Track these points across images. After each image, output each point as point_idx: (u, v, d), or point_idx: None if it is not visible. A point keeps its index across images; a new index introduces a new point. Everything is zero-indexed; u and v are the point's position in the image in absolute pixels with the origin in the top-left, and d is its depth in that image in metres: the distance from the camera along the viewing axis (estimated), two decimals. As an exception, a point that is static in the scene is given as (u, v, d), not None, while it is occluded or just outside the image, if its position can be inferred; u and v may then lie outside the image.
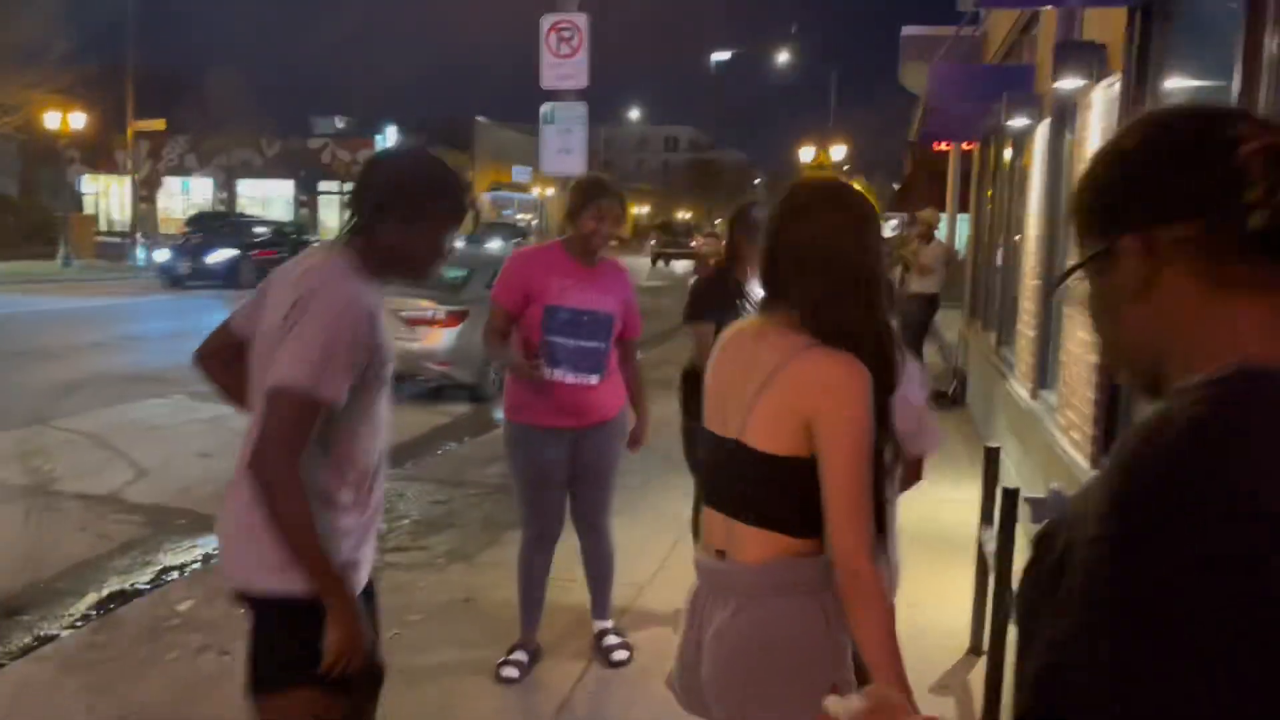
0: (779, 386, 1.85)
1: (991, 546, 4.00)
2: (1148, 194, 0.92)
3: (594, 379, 3.76)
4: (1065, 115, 5.79)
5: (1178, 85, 3.98)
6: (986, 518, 4.19)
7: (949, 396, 10.67)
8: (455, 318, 10.76)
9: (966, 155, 15.77)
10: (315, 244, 2.47)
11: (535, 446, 3.86)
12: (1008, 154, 9.49)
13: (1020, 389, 6.54)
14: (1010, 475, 5.18)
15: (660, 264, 42.80)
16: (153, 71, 34.22)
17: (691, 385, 4.64)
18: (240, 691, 2.22)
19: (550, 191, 68.56)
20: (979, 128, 9.86)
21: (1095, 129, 4.68)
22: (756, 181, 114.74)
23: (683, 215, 74.04)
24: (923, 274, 10.69)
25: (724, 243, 4.42)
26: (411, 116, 57.61)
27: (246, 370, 2.19)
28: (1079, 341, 4.80)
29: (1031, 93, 6.46)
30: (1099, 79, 4.56)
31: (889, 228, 37.26)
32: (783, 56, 36.77)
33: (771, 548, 1.89)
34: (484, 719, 3.80)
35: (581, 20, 7.28)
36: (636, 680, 3.98)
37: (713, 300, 4.00)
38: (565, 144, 7.40)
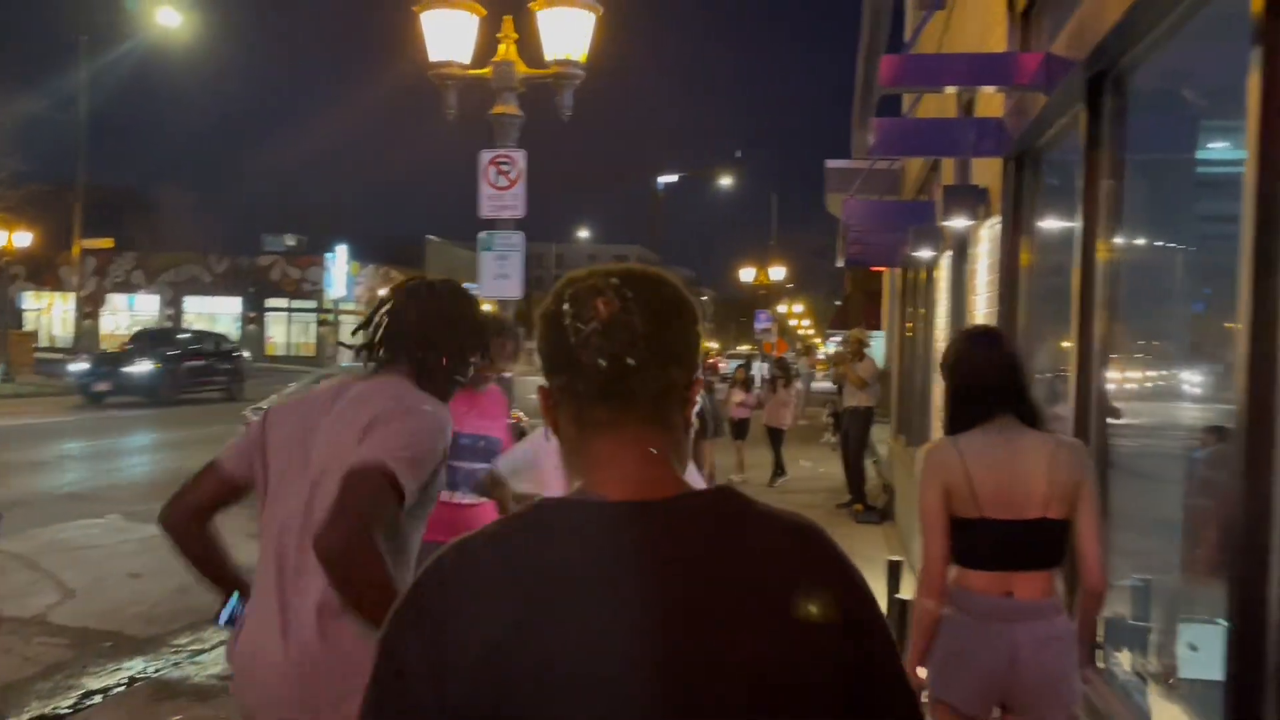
0: (1062, 469, 2.70)
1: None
2: (541, 353, 1.16)
3: (484, 499, 3.97)
4: (962, 247, 6.25)
5: (1046, 224, 4.39)
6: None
7: (879, 510, 10.95)
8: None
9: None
10: (329, 374, 2.55)
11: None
12: (919, 279, 10.05)
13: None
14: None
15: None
16: (101, 189, 34.49)
17: None
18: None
19: (492, 307, 69.30)
20: (896, 255, 10.44)
21: (983, 262, 5.09)
22: (704, 298, 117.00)
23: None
24: (859, 388, 11.17)
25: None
26: (363, 235, 58.35)
27: (212, 538, 2.24)
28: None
29: (934, 226, 6.94)
30: (984, 218, 4.98)
31: (830, 345, 38.28)
32: (725, 180, 38.10)
33: (1050, 583, 2.78)
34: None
35: (519, 155, 7.67)
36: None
37: None
38: (502, 269, 7.71)
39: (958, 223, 5.11)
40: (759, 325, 31.41)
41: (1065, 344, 4.19)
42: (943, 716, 2.79)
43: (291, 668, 2.04)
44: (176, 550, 2.26)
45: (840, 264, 11.81)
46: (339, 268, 52.23)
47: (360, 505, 1.90)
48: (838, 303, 40.59)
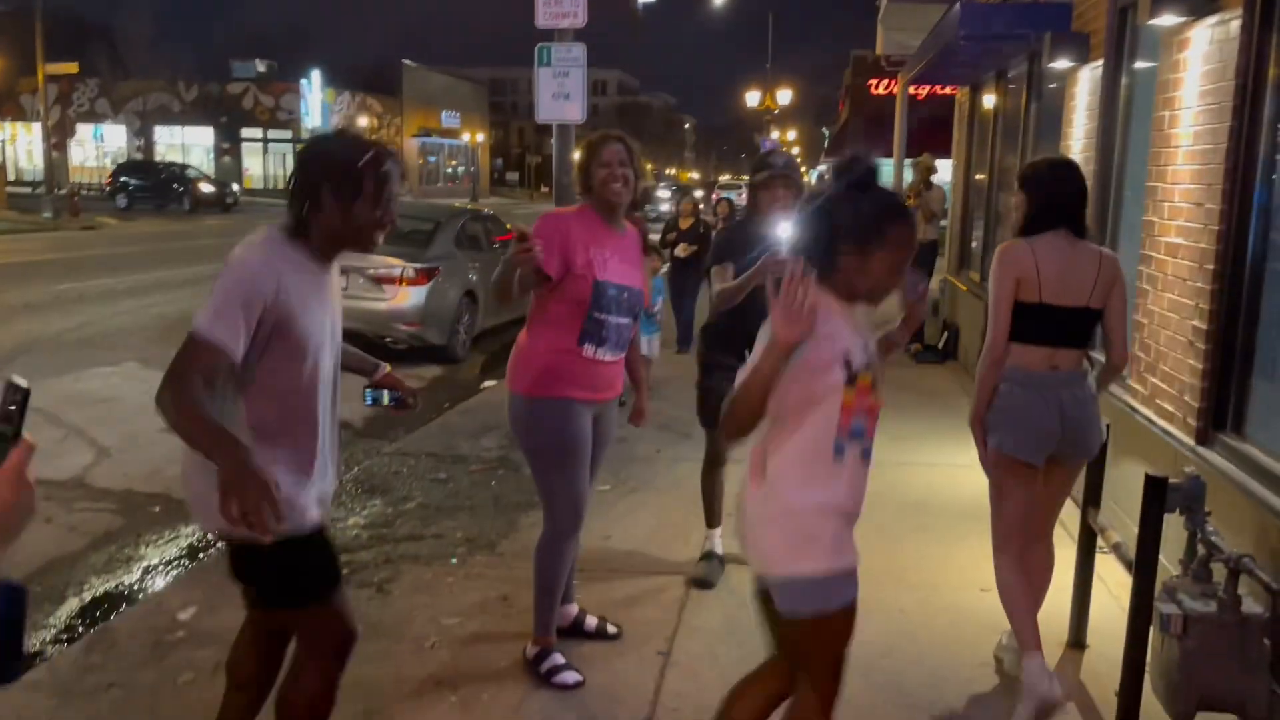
0: (1106, 269, 3.46)
1: (1117, 538, 3.66)
2: None
3: (622, 354, 3.62)
4: (1131, 55, 5.42)
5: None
6: (1093, 499, 3.86)
7: (938, 350, 10.43)
8: (424, 275, 10.14)
9: (931, 101, 15.46)
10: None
11: (569, 422, 3.51)
12: (1006, 100, 9.14)
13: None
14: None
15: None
16: (63, 12, 32.17)
17: (711, 340, 4.34)
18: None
19: (481, 138, 67.10)
20: (982, 71, 9.50)
21: (1193, 70, 4.30)
22: (687, 125, 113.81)
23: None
24: (926, 220, 10.40)
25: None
26: (336, 59, 55.64)
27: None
28: (1171, 304, 4.46)
29: (1072, 32, 6.08)
30: (1202, 15, 4.16)
31: (819, 172, 37.15)
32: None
33: (1082, 358, 3.56)
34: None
35: (579, -47, 6.67)
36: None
37: (734, 248, 4.26)
38: (562, 88, 6.81)
39: (1167, 20, 4.28)
40: (765, 150, 30.08)
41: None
42: (1007, 466, 3.52)
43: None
44: None
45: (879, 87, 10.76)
46: (314, 95, 49.91)
47: (176, 364, 2.28)
48: (825, 130, 39.20)
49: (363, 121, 49.49)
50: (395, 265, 9.90)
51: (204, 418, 2.25)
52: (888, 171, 18.42)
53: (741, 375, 2.17)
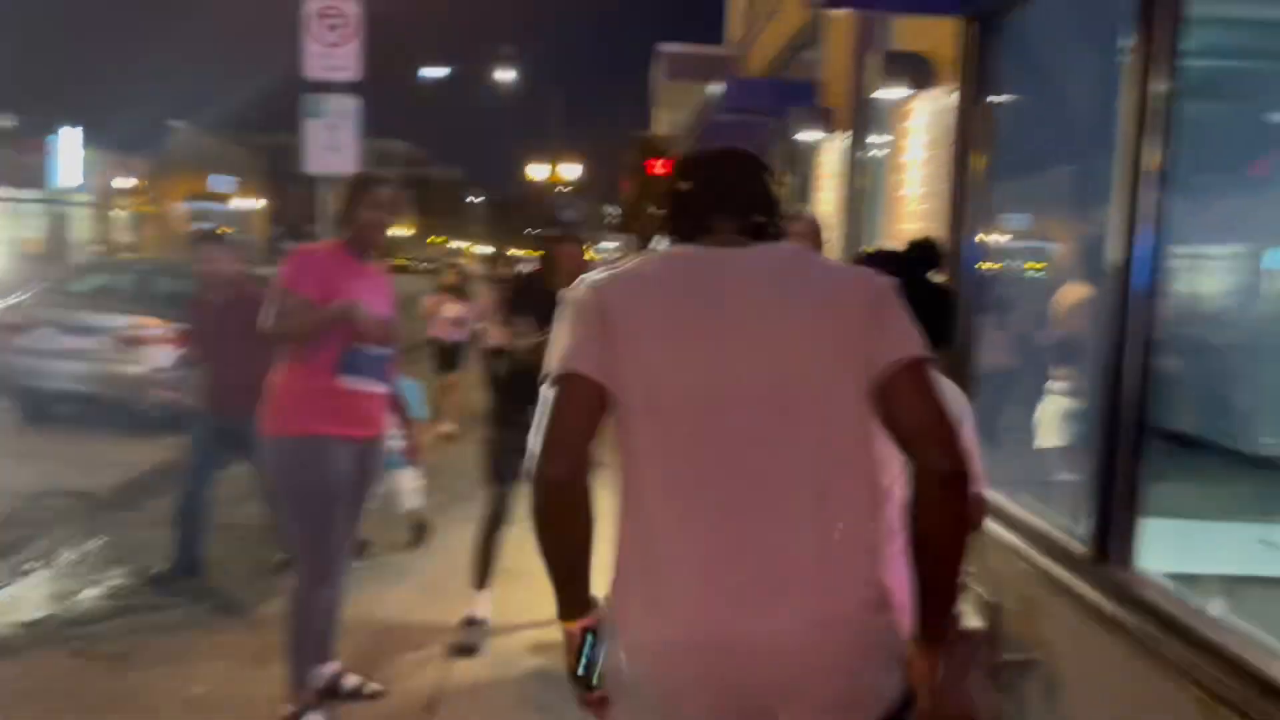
0: None
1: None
2: None
3: (382, 387, 3.59)
4: (867, 126, 5.93)
5: (1012, 96, 4.09)
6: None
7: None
8: (185, 336, 9.58)
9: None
10: None
11: (325, 462, 3.42)
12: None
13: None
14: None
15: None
16: None
17: (503, 393, 4.24)
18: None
19: (258, 203, 64.61)
20: (744, 145, 10.10)
21: (917, 138, 4.74)
22: (476, 199, 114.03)
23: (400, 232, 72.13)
24: None
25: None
26: (96, 117, 52.43)
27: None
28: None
29: (818, 106, 6.59)
30: (925, 89, 4.62)
31: (609, 249, 38.06)
32: (499, 75, 36.27)
33: None
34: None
35: (350, 6, 6.64)
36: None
37: (532, 301, 4.05)
38: (333, 140, 6.72)
39: (895, 94, 4.72)
40: (557, 204, 30.36)
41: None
42: None
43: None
44: (566, 520, 1.69)
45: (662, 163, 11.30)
46: (68, 153, 46.68)
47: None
48: (608, 208, 40.28)
49: (123, 184, 46.69)
50: (151, 326, 9.31)
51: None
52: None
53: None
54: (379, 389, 3.57)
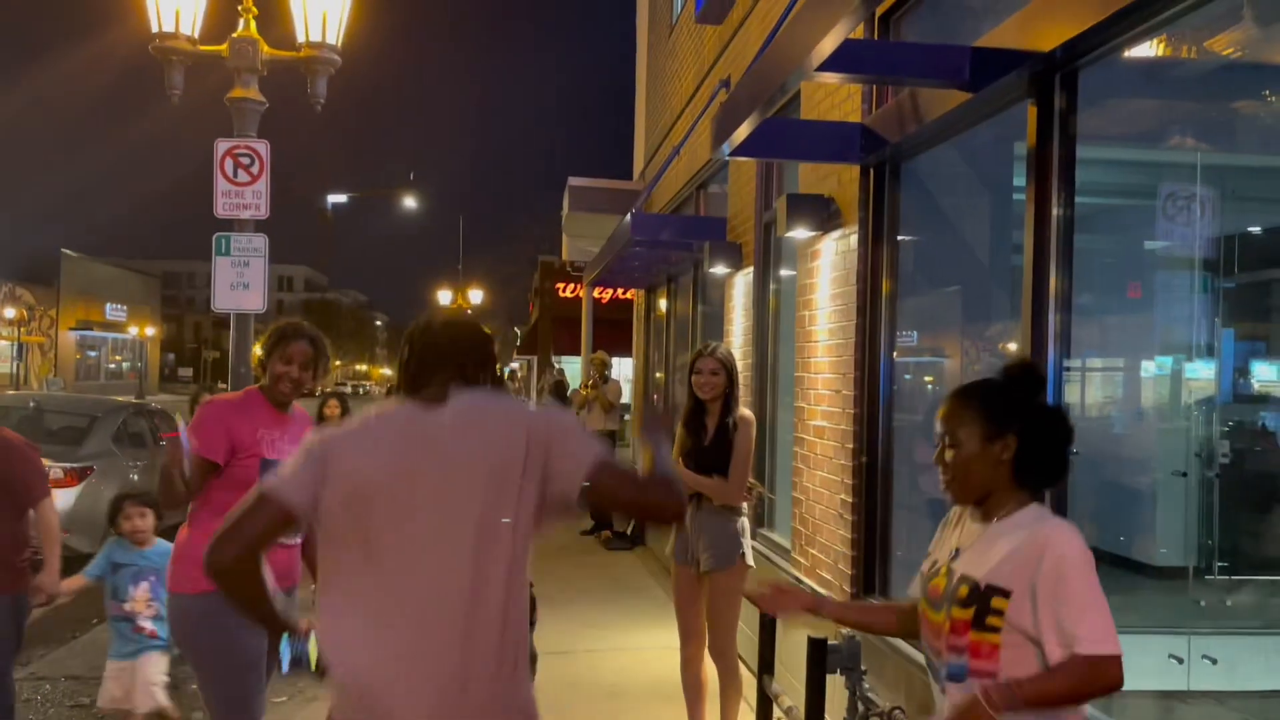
0: None
1: (789, 703, 3.85)
2: None
3: (299, 538, 3.47)
4: (776, 263, 6.14)
5: (911, 236, 4.29)
6: (767, 667, 4.06)
7: (628, 536, 10.70)
8: (74, 476, 9.20)
9: (614, 303, 16.52)
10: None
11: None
12: (677, 302, 9.98)
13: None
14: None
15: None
16: None
17: None
18: None
19: (151, 331, 62.94)
20: (654, 276, 10.34)
21: (824, 275, 4.93)
22: (379, 322, 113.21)
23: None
24: (606, 411, 10.90)
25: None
26: (-16, 245, 50.86)
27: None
28: (823, 481, 4.91)
29: (728, 242, 6.80)
30: (828, 230, 4.83)
31: (512, 370, 38.16)
32: (401, 201, 36.58)
33: None
34: None
35: (262, 146, 6.66)
36: None
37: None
38: (241, 277, 6.64)
39: (800, 234, 4.92)
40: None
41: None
42: None
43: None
44: (231, 594, 2.15)
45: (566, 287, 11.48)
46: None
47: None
48: (517, 329, 40.61)
49: (9, 313, 45.07)
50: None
51: None
52: (573, 369, 19.38)
53: None
54: (297, 539, 3.46)
